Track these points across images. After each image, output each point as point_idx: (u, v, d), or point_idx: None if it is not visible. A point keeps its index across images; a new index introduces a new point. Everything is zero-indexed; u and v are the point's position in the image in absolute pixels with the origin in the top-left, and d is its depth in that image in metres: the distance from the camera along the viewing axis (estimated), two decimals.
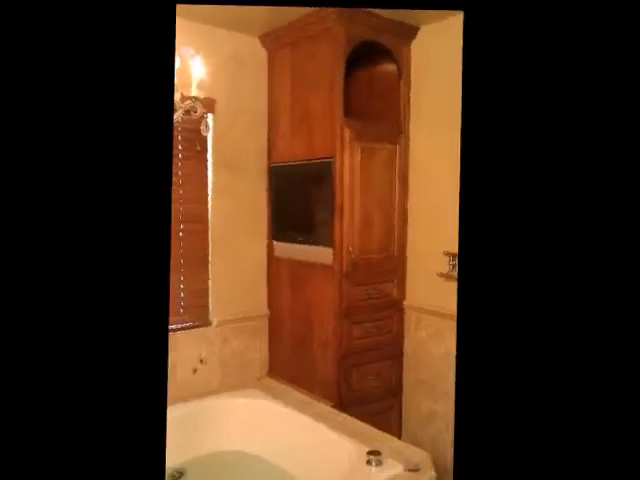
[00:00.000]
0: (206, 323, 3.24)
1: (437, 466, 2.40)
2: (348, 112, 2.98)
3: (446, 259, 2.99)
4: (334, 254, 2.97)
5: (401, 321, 3.27)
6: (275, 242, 3.38)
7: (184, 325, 3.16)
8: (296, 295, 3.27)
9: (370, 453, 2.34)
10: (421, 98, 3.12)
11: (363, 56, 3.12)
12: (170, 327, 3.05)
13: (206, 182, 3.20)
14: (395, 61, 3.11)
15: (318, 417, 2.82)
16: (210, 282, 3.26)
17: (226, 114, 3.20)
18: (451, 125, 2.82)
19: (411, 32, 3.09)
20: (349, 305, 3.02)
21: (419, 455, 2.42)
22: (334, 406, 2.98)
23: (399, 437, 3.08)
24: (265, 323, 3.48)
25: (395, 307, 3.24)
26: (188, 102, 2.30)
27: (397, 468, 2.29)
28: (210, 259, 3.24)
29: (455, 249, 2.88)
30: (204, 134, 2.79)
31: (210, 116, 3.10)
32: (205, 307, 3.26)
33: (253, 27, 3.14)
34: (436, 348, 3.10)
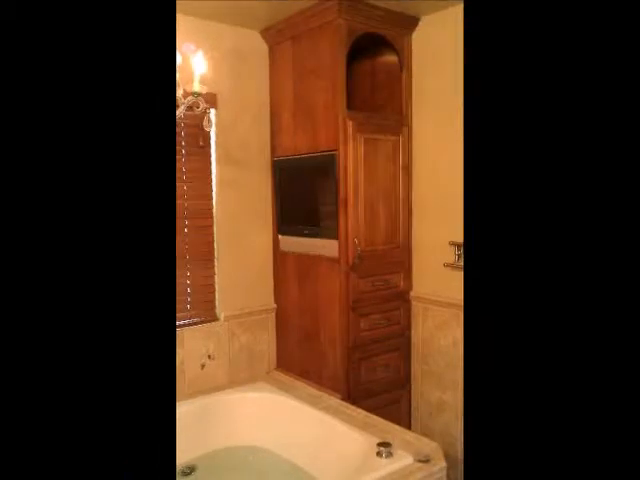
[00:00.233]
0: (213, 318, 3.25)
1: (447, 457, 2.41)
2: (350, 104, 2.97)
3: (452, 249, 2.99)
4: (340, 246, 2.97)
5: (408, 312, 3.27)
6: (280, 236, 3.38)
7: (191, 321, 3.17)
8: (303, 288, 3.28)
9: (380, 445, 2.35)
10: (423, 88, 3.11)
11: (364, 48, 3.11)
12: (177, 323, 3.06)
13: (210, 177, 3.20)
14: (396, 52, 3.10)
15: (327, 410, 2.82)
16: (216, 277, 3.26)
17: (229, 109, 3.20)
18: (454, 115, 2.84)
19: (412, 23, 3.08)
20: (356, 297, 3.02)
21: (429, 446, 2.43)
22: (343, 398, 2.99)
23: (409, 428, 3.08)
24: (272, 317, 3.49)
25: (402, 298, 3.24)
26: (190, 98, 2.30)
27: (407, 459, 2.29)
28: (216, 254, 3.24)
29: (461, 239, 2.88)
30: (207, 129, 2.79)
31: (213, 111, 3.10)
32: (212, 302, 3.27)
33: (254, 21, 3.13)
34: (444, 338, 3.10)
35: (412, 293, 3.25)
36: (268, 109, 3.37)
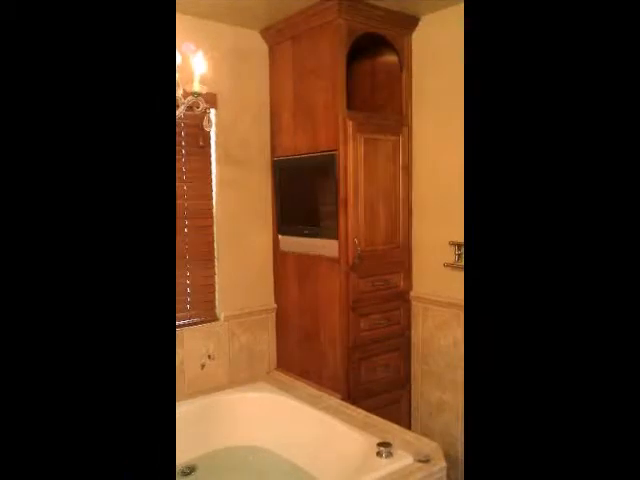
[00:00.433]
0: (213, 318, 3.25)
1: (447, 457, 2.41)
2: (350, 104, 2.97)
3: (452, 249, 2.99)
4: (340, 246, 2.97)
5: (408, 312, 3.27)
6: (280, 236, 3.38)
7: (191, 321, 3.16)
8: (303, 288, 3.27)
9: (380, 445, 2.35)
10: (423, 88, 3.11)
11: (364, 48, 3.11)
12: (177, 323, 3.06)
13: (210, 177, 3.20)
14: (396, 52, 3.10)
15: (327, 410, 2.82)
16: (216, 277, 3.26)
17: (229, 109, 3.19)
18: (454, 114, 2.84)
19: (412, 23, 3.08)
20: (356, 297, 3.02)
21: (429, 446, 2.42)
22: (343, 398, 2.99)
23: (409, 428, 3.08)
24: (272, 317, 3.49)
25: (402, 298, 3.24)
26: (190, 98, 2.30)
27: (407, 459, 2.29)
28: (216, 254, 3.24)
29: (461, 239, 2.88)
30: (207, 129, 2.79)
31: (213, 111, 3.10)
32: (212, 302, 3.27)
33: (254, 21, 3.13)
34: (444, 338, 3.10)
35: (412, 293, 3.25)
36: (268, 109, 3.37)
